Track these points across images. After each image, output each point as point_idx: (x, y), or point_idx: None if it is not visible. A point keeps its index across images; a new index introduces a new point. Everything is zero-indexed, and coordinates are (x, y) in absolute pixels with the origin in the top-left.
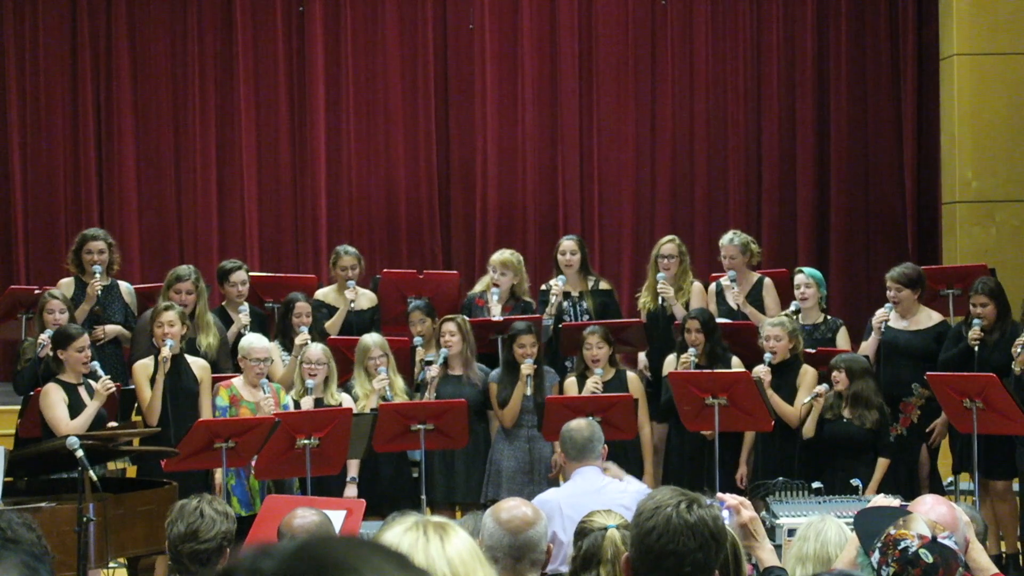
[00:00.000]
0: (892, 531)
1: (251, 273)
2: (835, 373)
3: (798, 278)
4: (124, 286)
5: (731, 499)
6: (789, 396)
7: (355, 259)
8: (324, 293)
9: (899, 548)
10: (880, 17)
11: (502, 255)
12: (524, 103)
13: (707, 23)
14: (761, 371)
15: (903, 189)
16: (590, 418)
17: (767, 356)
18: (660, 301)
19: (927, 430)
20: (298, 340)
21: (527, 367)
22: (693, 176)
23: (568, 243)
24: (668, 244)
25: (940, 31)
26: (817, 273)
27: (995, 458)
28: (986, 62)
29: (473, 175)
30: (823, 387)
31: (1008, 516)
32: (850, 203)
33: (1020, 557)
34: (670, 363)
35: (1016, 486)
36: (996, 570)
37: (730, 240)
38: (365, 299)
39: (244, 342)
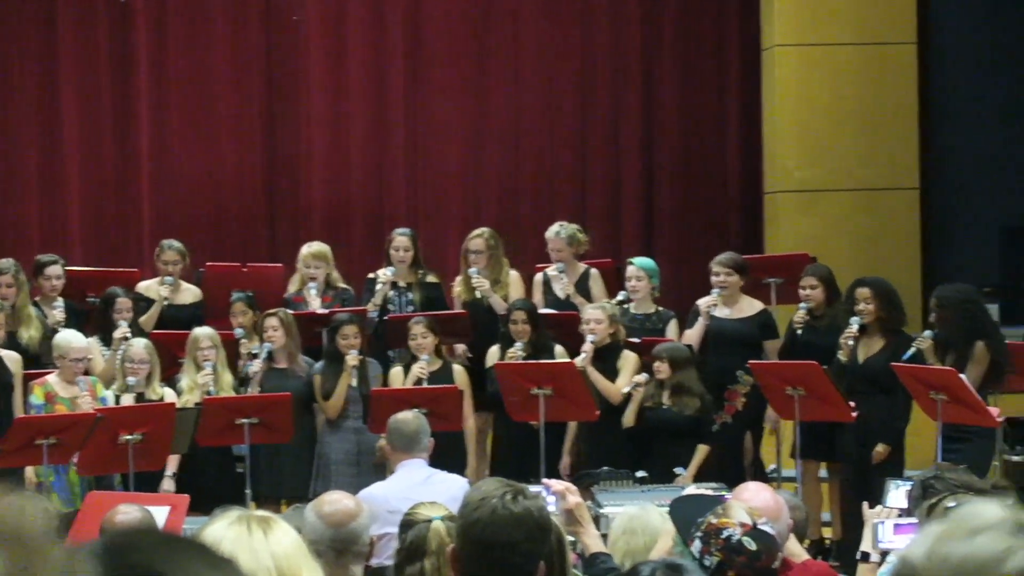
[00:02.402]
0: (713, 519)
1: (72, 267)
2: (657, 363)
3: (629, 269)
4: None
5: (557, 485)
6: (610, 379)
7: (178, 254)
8: (147, 286)
9: (722, 537)
10: (705, 8)
11: (312, 248)
12: (351, 95)
13: (534, 14)
14: (583, 350)
15: (727, 179)
16: (416, 410)
17: (589, 337)
18: (478, 294)
19: (763, 423)
20: (117, 334)
21: (352, 358)
22: (520, 167)
23: (401, 239)
24: (475, 240)
25: (762, 22)
26: (650, 263)
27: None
28: (808, 53)
29: (299, 168)
30: (642, 376)
31: (836, 499)
32: (675, 193)
33: (828, 543)
34: (494, 354)
35: (824, 471)
36: (807, 556)
37: (556, 233)
38: (189, 293)
39: (61, 339)
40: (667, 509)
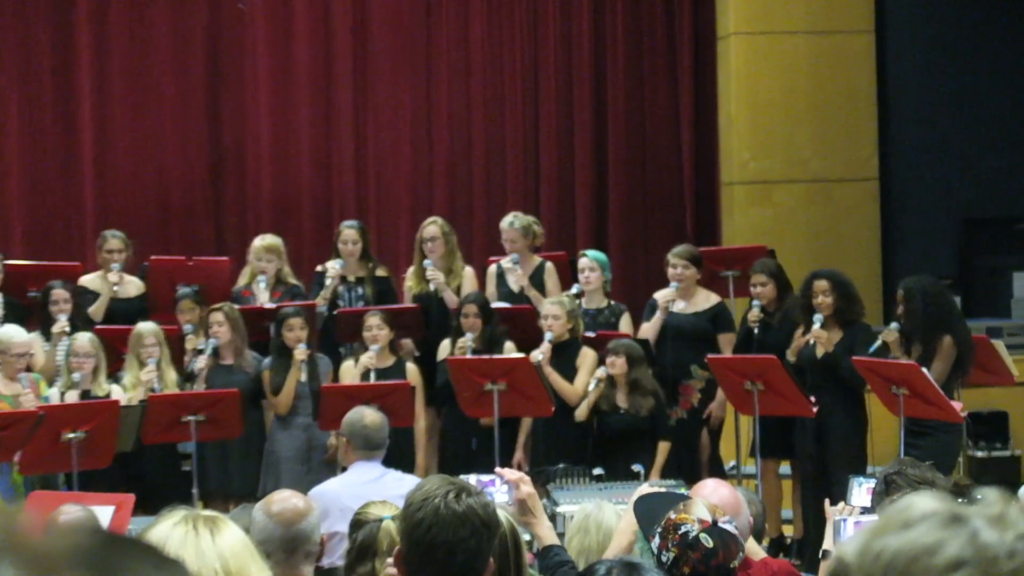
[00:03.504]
0: (672, 515)
1: (12, 262)
2: (612, 358)
3: (582, 261)
4: None
5: (510, 474)
6: (569, 377)
7: (122, 243)
8: (90, 279)
9: (679, 532)
10: None
11: (264, 240)
12: (298, 84)
13: (483, 2)
14: (540, 351)
15: (681, 171)
16: (376, 408)
17: (547, 335)
18: (431, 287)
19: (703, 415)
20: (56, 328)
21: (300, 352)
22: (471, 158)
23: (349, 231)
24: (431, 227)
25: (716, 11)
26: (602, 256)
27: (789, 435)
28: (762, 42)
29: (246, 159)
30: (602, 371)
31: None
32: (628, 186)
33: (789, 541)
34: (445, 348)
35: (786, 468)
36: (764, 555)
37: (510, 223)
38: (133, 286)
39: (1, 334)
40: (625, 507)
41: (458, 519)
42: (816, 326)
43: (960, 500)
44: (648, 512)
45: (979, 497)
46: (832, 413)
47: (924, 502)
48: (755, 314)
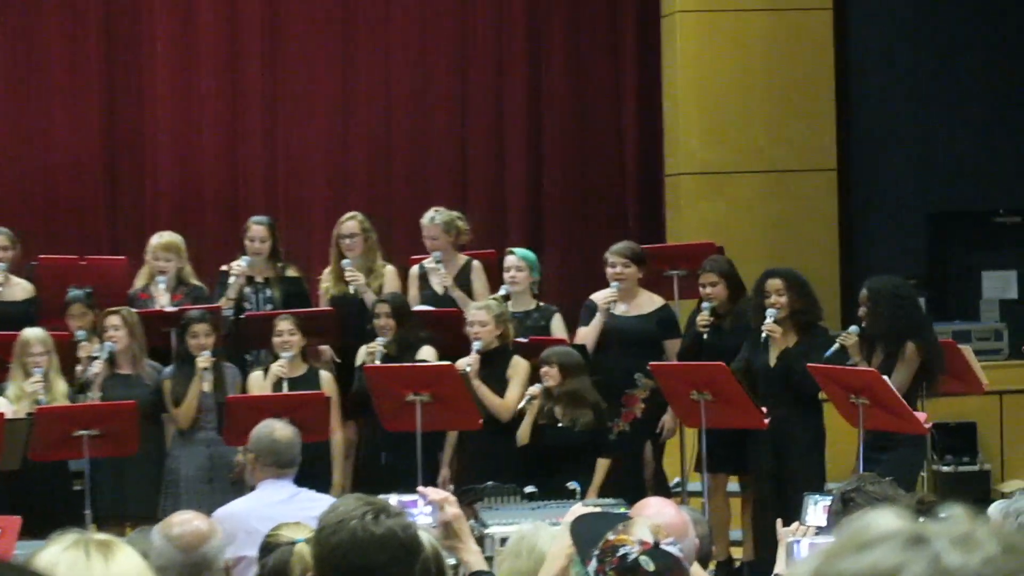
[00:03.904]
0: (611, 537)
1: None
2: (546, 368)
3: (508, 260)
4: None
5: (434, 494)
6: (500, 389)
7: (7, 239)
8: None
9: (618, 555)
10: None
11: (162, 238)
12: (200, 67)
13: None
14: (467, 362)
15: (623, 161)
16: (288, 422)
17: (475, 344)
18: (350, 289)
19: (656, 430)
20: None
21: (203, 360)
22: (392, 147)
23: (258, 228)
24: (349, 222)
25: None
26: (530, 254)
27: (740, 449)
28: (713, 19)
29: (143, 149)
30: (536, 388)
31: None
32: (565, 177)
33: (739, 564)
34: (363, 354)
35: (735, 485)
36: None
37: (431, 219)
38: (19, 289)
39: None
40: (562, 528)
41: (376, 543)
42: (768, 320)
43: (923, 518)
44: (586, 534)
45: (943, 515)
46: (788, 425)
47: (883, 521)
48: (704, 317)
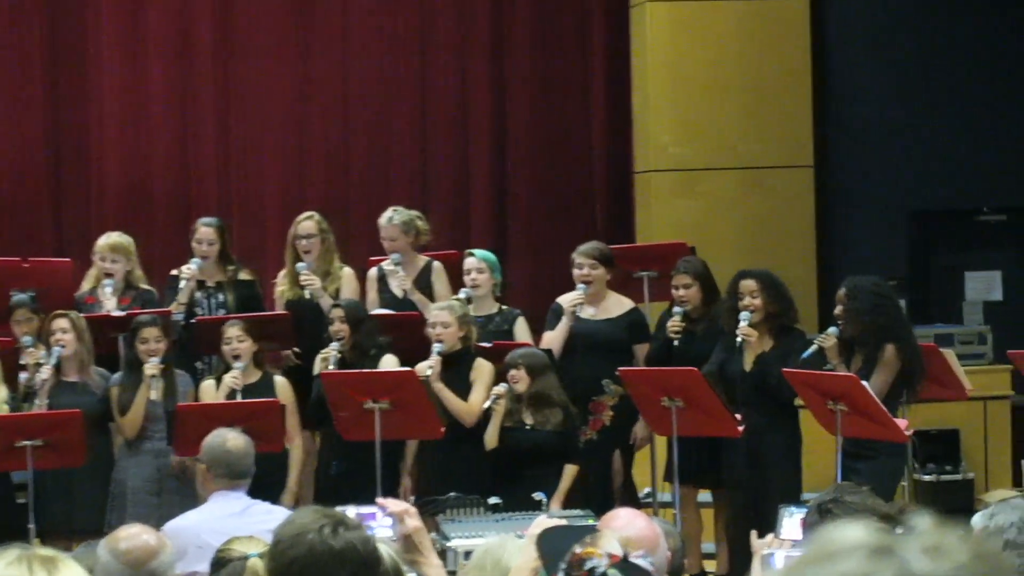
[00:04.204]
0: (578, 549)
1: None
2: (513, 371)
3: (468, 262)
4: None
5: (394, 506)
6: (463, 392)
7: None
8: None
9: (585, 568)
10: None
11: (110, 239)
12: (150, 59)
13: None
14: (428, 364)
15: (591, 157)
16: (241, 431)
17: (436, 347)
18: (306, 293)
19: (629, 440)
20: None
21: (151, 367)
22: (350, 144)
23: (206, 230)
24: (306, 222)
25: None
26: (490, 256)
27: (714, 459)
28: (684, 9)
29: (90, 145)
30: (502, 387)
31: (720, 529)
32: (531, 175)
33: None
34: (320, 361)
35: (706, 496)
36: None
37: (389, 219)
38: None
39: None
40: (526, 541)
41: (335, 557)
42: (743, 323)
43: (894, 529)
44: (554, 547)
45: (912, 526)
46: (764, 433)
47: (851, 533)
48: (676, 323)
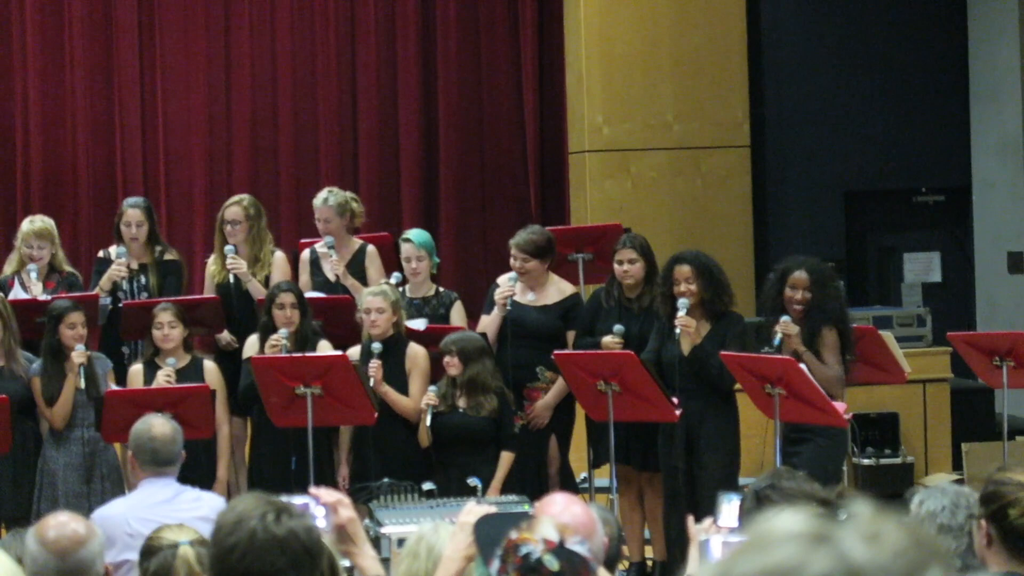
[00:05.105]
0: (514, 535)
1: None
2: (447, 358)
3: (406, 249)
4: None
5: (327, 495)
6: (397, 382)
7: None
8: None
9: (520, 554)
10: None
11: (33, 224)
12: (72, 37)
13: None
14: (371, 370)
15: (524, 137)
16: (169, 417)
17: (375, 347)
18: (231, 278)
19: (528, 414)
20: None
21: (78, 355)
22: (278, 126)
23: (133, 212)
24: (233, 207)
25: None
26: (428, 240)
27: (644, 445)
28: None
29: (11, 126)
30: (432, 394)
31: (658, 514)
32: (462, 154)
33: (651, 564)
34: (252, 345)
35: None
36: None
37: (324, 201)
38: None
39: None
40: (457, 527)
41: (277, 545)
42: (681, 312)
43: (832, 515)
44: (491, 534)
45: (849, 512)
46: (702, 418)
47: (787, 521)
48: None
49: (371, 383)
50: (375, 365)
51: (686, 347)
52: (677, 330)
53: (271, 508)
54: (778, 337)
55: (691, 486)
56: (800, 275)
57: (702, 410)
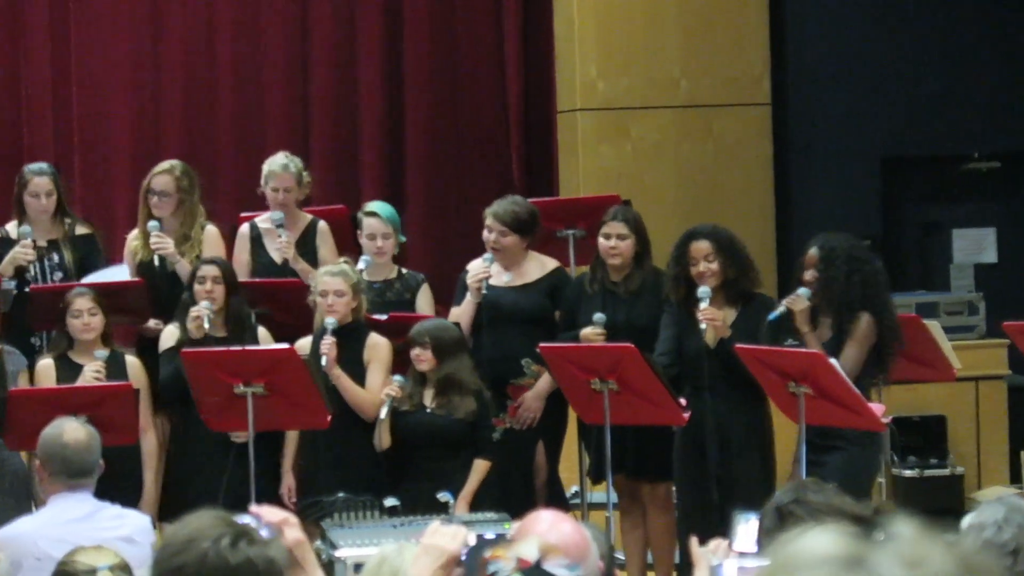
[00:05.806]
0: (488, 551)
1: None
2: (417, 350)
3: (371, 224)
4: None
5: (272, 514)
6: (356, 373)
7: None
8: None
9: (488, 572)
10: None
11: None
12: None
13: None
14: (323, 349)
15: (505, 95)
16: (84, 421)
17: (328, 322)
18: (156, 258)
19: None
20: None
21: None
22: (217, 83)
23: (41, 180)
24: (161, 176)
25: None
26: (394, 214)
27: (649, 452)
28: None
29: None
30: (395, 386)
31: (663, 533)
32: (433, 116)
33: None
34: (171, 334)
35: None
36: None
37: (284, 167)
38: None
39: None
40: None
41: (228, 573)
42: (704, 303)
43: (867, 535)
44: (479, 555)
45: (888, 533)
46: (731, 420)
47: (816, 542)
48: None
49: (323, 362)
50: (328, 342)
51: (711, 339)
52: (702, 325)
53: (229, 530)
54: (779, 310)
55: (718, 500)
56: (811, 252)
57: (730, 410)
